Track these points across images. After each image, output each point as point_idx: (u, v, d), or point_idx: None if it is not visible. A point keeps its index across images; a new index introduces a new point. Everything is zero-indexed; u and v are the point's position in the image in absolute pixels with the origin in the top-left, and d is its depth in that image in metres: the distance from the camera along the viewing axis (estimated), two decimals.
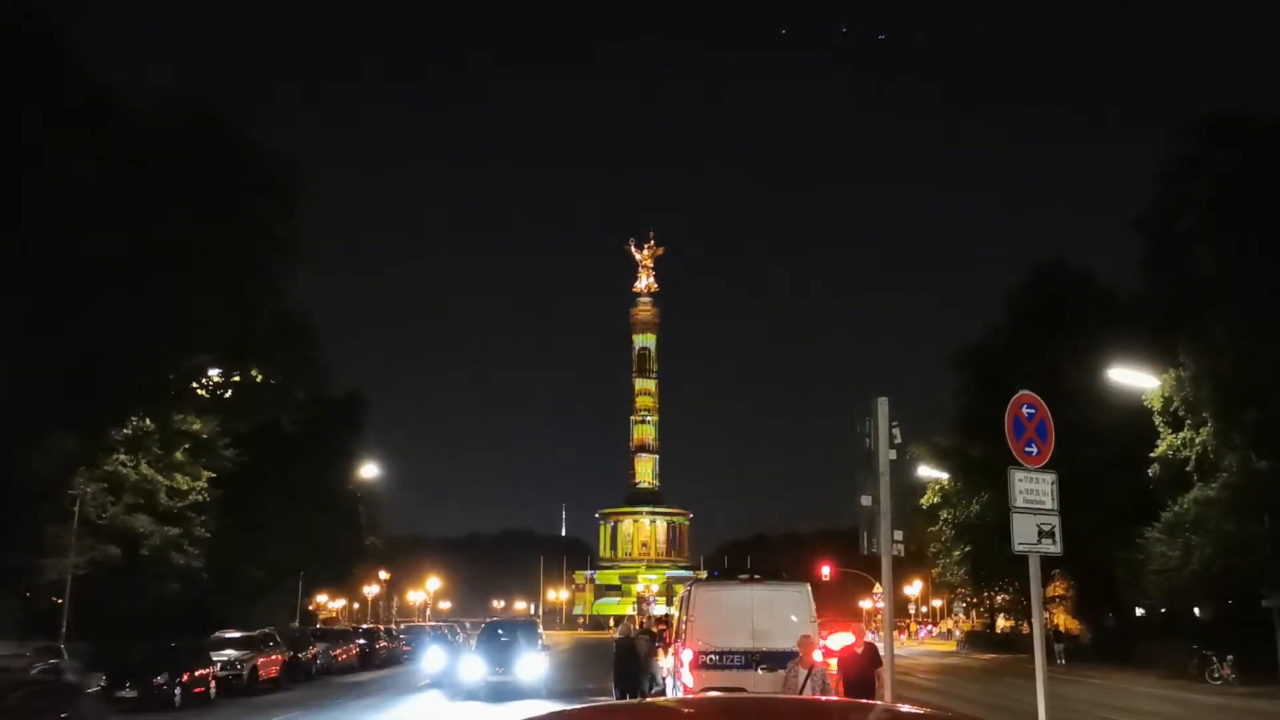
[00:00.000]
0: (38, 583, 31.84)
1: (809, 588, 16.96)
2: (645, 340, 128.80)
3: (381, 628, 52.24)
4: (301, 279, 37.07)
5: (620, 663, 21.31)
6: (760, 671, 15.64)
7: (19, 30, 27.12)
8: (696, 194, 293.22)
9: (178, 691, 24.27)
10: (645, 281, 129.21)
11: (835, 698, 5.97)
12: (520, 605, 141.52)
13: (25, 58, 26.88)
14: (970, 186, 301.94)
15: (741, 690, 14.70)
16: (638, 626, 33.10)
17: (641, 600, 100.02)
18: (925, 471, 53.27)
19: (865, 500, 10.23)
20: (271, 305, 35.14)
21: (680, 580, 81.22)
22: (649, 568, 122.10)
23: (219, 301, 31.37)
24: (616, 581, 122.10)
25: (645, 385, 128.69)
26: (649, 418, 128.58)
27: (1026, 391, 9.48)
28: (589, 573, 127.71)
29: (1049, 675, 10.18)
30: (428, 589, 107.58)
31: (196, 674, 25.67)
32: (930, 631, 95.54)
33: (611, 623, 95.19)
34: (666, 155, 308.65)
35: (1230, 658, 32.44)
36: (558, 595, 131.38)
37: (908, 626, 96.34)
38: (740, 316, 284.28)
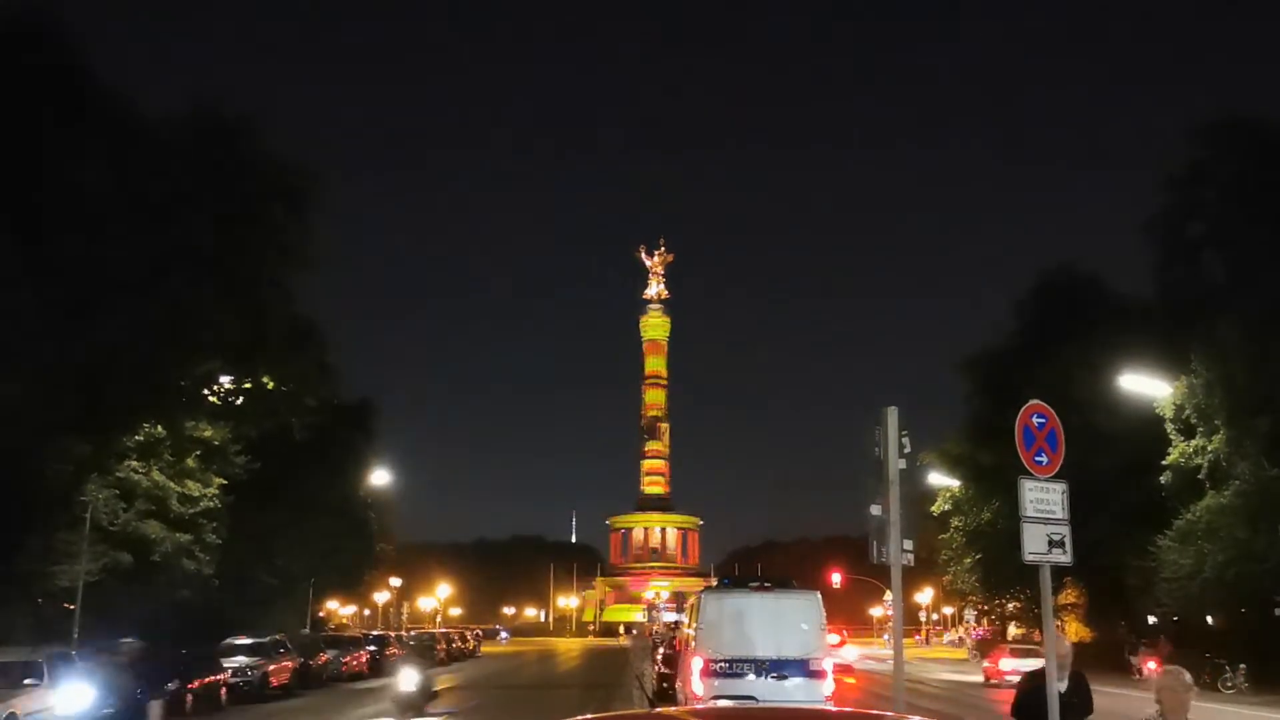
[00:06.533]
0: (49, 589, 31.95)
1: (819, 596, 16.91)
2: (656, 345, 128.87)
3: (392, 634, 52.28)
4: (312, 284, 37.24)
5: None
6: (770, 680, 15.60)
7: (33, 36, 27.32)
8: (707, 200, 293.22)
9: (188, 698, 24.31)
10: (656, 288, 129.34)
11: None
12: (530, 612, 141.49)
13: (39, 64, 27.07)
14: (980, 189, 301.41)
15: (751, 699, 14.67)
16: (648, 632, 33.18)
17: (651, 607, 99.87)
18: (936, 479, 53.14)
19: (875, 509, 10.22)
20: (283, 311, 35.29)
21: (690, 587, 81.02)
22: (659, 574, 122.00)
23: (231, 308, 31.51)
24: (627, 588, 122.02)
25: (655, 391, 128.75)
26: (660, 423, 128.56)
27: (1036, 401, 9.43)
28: (599, 579, 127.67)
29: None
30: (438, 596, 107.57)
31: (207, 681, 25.73)
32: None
33: (621, 629, 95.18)
34: (677, 160, 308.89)
35: (1243, 666, 32.27)
36: (568, 602, 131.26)
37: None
38: (751, 322, 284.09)
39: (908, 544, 10.28)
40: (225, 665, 27.86)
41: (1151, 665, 36.77)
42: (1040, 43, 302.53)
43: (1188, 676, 6.23)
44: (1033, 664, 38.94)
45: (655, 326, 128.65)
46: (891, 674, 44.42)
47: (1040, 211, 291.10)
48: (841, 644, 37.58)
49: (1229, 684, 32.31)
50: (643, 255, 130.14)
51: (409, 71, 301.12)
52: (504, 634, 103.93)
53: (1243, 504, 33.60)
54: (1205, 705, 28.23)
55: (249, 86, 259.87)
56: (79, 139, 27.44)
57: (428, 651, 29.82)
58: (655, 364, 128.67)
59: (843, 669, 25.24)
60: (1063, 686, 7.44)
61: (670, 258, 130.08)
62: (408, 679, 20.65)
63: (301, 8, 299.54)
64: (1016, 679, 34.42)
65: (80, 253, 26.93)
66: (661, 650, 28.44)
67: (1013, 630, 65.51)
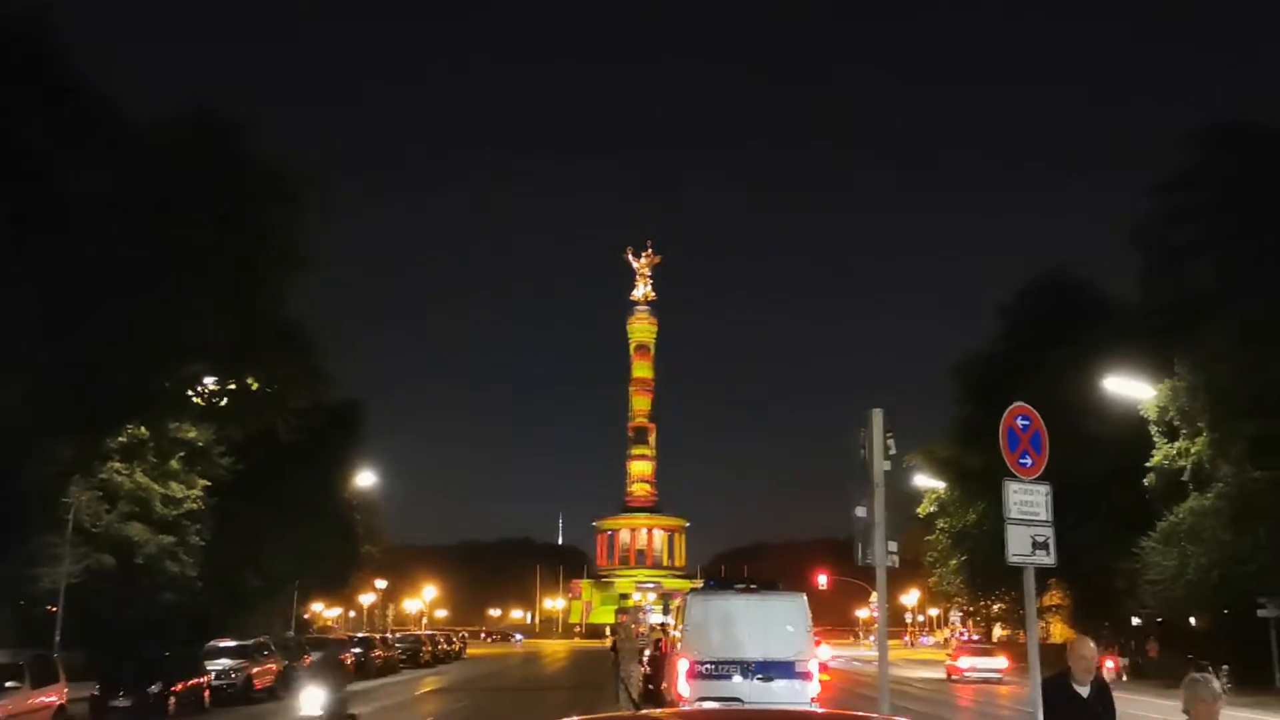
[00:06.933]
0: (32, 591, 31.74)
1: (805, 598, 16.91)
2: (643, 348, 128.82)
3: (377, 636, 52.09)
4: (300, 286, 36.97)
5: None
6: (756, 682, 15.59)
7: (23, 36, 27.12)
8: (695, 200, 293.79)
9: (171, 701, 24.15)
10: (643, 290, 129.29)
11: None
12: (517, 614, 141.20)
13: (30, 66, 26.86)
14: (971, 193, 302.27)
15: (737, 701, 14.65)
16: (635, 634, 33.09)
17: (638, 609, 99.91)
18: (923, 481, 53.27)
19: (859, 511, 10.21)
20: (274, 314, 35.10)
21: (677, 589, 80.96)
22: (646, 576, 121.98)
23: (220, 310, 31.34)
24: (613, 590, 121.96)
25: (642, 398, 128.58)
26: (647, 424, 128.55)
27: (1020, 403, 9.44)
28: (586, 581, 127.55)
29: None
30: (424, 598, 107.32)
31: (190, 683, 25.56)
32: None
33: (607, 631, 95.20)
34: (666, 160, 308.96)
35: (1226, 667, 32.39)
36: (554, 604, 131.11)
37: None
38: (741, 322, 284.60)
39: (892, 546, 10.26)
40: (209, 668, 27.67)
41: (1110, 665, 37.86)
42: (1038, 42, 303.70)
43: (1217, 684, 5.77)
44: (988, 663, 39.78)
45: (642, 330, 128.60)
46: (860, 670, 45.12)
47: (1036, 213, 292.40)
48: (816, 644, 38.37)
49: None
50: (630, 256, 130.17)
51: (410, 71, 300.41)
52: (518, 636, 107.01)
53: (1226, 506, 33.73)
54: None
55: (247, 86, 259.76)
56: (70, 140, 27.26)
57: (339, 664, 25.33)
58: (642, 370, 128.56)
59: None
60: (1085, 692, 6.98)
61: (658, 259, 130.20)
62: (311, 700, 16.87)
63: (304, 8, 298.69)
64: (974, 675, 35.79)
65: (71, 254, 26.76)
66: (647, 652, 28.40)
67: (998, 632, 65.72)
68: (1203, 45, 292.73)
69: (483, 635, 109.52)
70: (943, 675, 42.08)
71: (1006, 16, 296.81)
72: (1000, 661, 40.07)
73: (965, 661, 40.20)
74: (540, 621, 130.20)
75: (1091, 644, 7.21)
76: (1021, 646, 57.88)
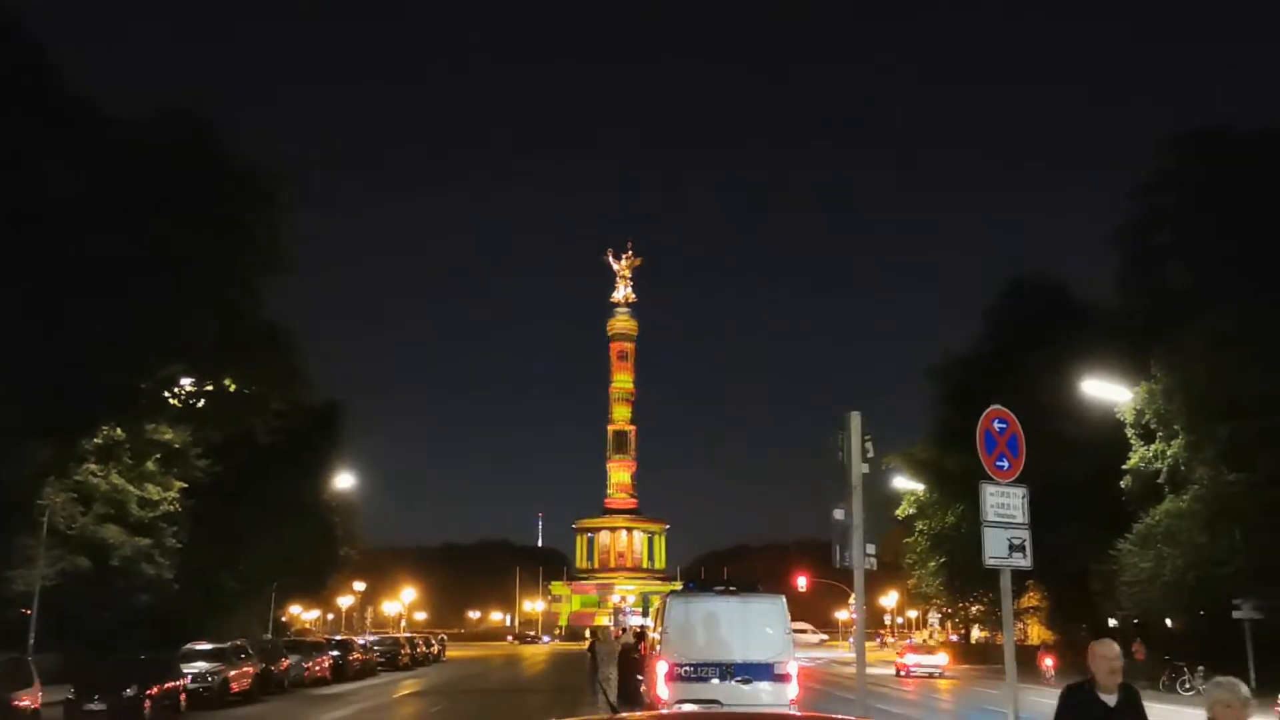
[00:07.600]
0: (6, 594, 31.42)
1: (784, 600, 16.93)
2: (623, 350, 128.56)
3: (355, 639, 51.85)
4: (282, 286, 36.84)
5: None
6: (736, 684, 15.59)
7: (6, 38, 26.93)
8: (695, 200, 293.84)
9: (147, 704, 23.94)
10: (623, 292, 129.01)
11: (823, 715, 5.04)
12: (496, 616, 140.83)
13: (4, 61, 26.65)
14: (971, 193, 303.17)
15: (716, 703, 14.65)
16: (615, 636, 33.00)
17: (618, 611, 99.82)
18: (902, 483, 53.46)
19: (838, 514, 10.25)
20: (252, 314, 34.92)
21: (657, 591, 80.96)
22: (626, 578, 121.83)
23: (199, 310, 31.16)
24: (593, 592, 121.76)
25: (622, 406, 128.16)
26: (626, 427, 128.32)
27: (998, 406, 9.50)
28: (565, 583, 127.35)
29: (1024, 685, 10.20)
30: (402, 600, 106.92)
31: (166, 686, 25.32)
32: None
33: (587, 633, 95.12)
34: (648, 161, 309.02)
35: (1201, 668, 32.65)
36: (534, 606, 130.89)
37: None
38: (729, 324, 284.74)
39: (870, 548, 10.31)
40: (185, 671, 27.43)
41: (1049, 662, 41.27)
42: (1038, 42, 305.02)
43: (1244, 689, 5.14)
44: (929, 659, 41.89)
45: (622, 334, 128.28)
46: (836, 671, 45.44)
47: (1036, 213, 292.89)
48: None
49: (1187, 686, 32.73)
50: (610, 259, 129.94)
51: (410, 71, 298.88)
52: (545, 638, 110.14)
53: (1202, 509, 33.94)
54: (1163, 707, 28.60)
55: (246, 86, 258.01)
56: (49, 139, 27.05)
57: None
58: (622, 376, 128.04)
59: None
60: (1112, 701, 6.07)
61: (638, 261, 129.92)
62: None
63: (304, 8, 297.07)
64: (920, 672, 37.97)
65: (44, 255, 26.54)
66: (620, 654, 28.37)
67: (976, 633, 66.00)
68: (1203, 45, 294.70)
69: (508, 639, 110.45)
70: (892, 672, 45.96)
71: (1006, 16, 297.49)
72: (940, 658, 47.15)
73: (911, 659, 46.47)
74: (520, 623, 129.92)
75: (1115, 646, 6.23)
76: (961, 646, 59.09)
